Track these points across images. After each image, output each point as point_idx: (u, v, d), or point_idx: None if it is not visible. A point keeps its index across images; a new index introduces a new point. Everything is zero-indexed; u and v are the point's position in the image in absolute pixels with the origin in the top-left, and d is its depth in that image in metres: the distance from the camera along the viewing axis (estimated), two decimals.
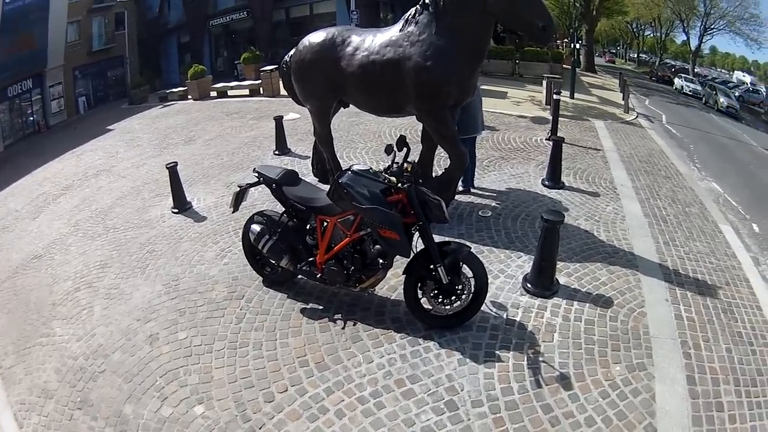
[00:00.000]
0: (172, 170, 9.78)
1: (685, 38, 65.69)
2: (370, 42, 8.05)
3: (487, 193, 9.70)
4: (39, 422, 5.46)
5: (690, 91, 40.58)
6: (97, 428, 5.13)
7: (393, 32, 7.97)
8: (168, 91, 27.62)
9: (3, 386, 6.16)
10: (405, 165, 5.62)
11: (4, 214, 12.92)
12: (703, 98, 37.47)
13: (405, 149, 5.68)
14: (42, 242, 9.98)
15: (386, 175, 5.61)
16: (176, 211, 9.79)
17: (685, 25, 61.18)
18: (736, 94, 40.57)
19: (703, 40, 61.75)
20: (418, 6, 7.84)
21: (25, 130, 30.93)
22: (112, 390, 5.51)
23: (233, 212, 6.85)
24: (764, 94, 44.26)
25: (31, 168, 17.40)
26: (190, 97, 25.15)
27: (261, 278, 6.94)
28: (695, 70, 62.38)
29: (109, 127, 21.40)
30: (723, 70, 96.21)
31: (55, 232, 10.30)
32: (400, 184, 5.48)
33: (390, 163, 5.72)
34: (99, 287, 7.66)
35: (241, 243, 7.08)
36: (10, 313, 7.75)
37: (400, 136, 5.82)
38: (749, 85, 54.53)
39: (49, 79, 32.16)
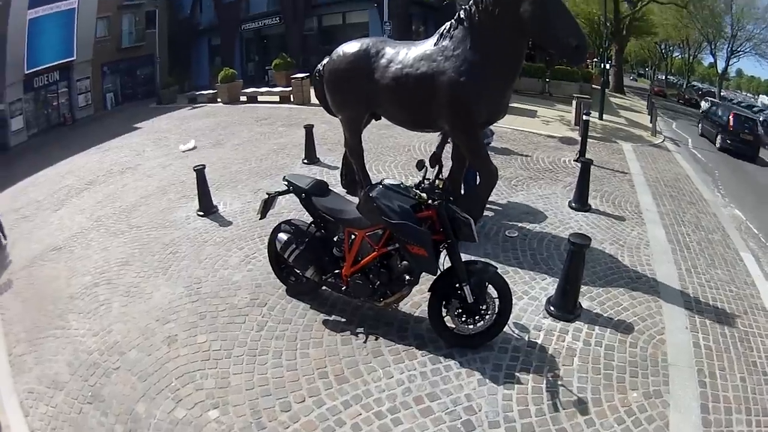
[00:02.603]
0: (200, 173, 9.81)
1: (712, 60, 65.38)
2: (404, 55, 8.08)
3: (514, 213, 9.68)
4: (46, 412, 5.48)
5: None
6: (107, 424, 5.15)
7: (428, 46, 7.99)
8: (197, 93, 27.84)
9: (11, 372, 6.20)
10: (436, 182, 5.63)
11: (25, 203, 13.08)
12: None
13: (437, 166, 5.69)
14: (63, 234, 10.06)
15: (417, 191, 5.60)
16: (202, 214, 9.82)
17: (713, 47, 60.93)
18: (761, 118, 40.17)
19: (730, 63, 61.56)
20: (453, 20, 7.87)
21: (51, 122, 31.20)
22: (125, 387, 5.52)
23: (260, 219, 6.83)
24: None
25: (54, 160, 17.69)
26: (219, 100, 25.33)
27: (284, 287, 6.95)
28: (722, 93, 61.99)
29: (137, 125, 21.65)
30: (748, 94, 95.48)
31: (77, 226, 10.38)
32: (430, 201, 5.48)
33: (421, 178, 5.73)
34: (119, 284, 7.70)
35: (266, 250, 7.07)
36: (25, 302, 7.82)
37: (433, 152, 5.85)
38: None
39: (77, 73, 32.51)
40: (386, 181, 5.84)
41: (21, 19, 28.58)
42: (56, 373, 5.93)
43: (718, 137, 24.59)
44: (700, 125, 28.56)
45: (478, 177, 8.73)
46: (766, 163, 23.29)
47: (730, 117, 24.77)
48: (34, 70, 29.86)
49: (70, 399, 5.54)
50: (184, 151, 15.26)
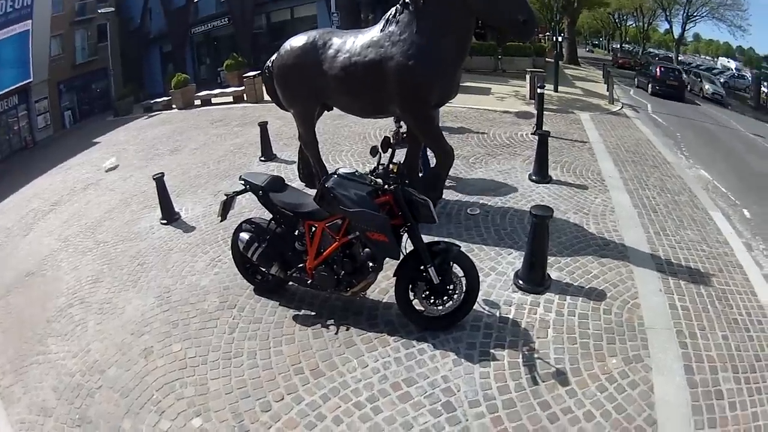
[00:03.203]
0: (159, 181, 9.72)
1: (668, 27, 65.95)
2: (351, 43, 8.04)
3: (474, 191, 9.69)
4: None
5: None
6: None
7: (374, 33, 7.96)
8: (152, 102, 27.46)
9: (2, 405, 6.09)
10: (390, 166, 5.62)
11: None
12: (688, 86, 37.58)
13: (390, 150, 5.67)
14: (34, 259, 9.91)
15: (372, 177, 5.59)
16: (165, 222, 9.73)
17: (668, 14, 61.43)
18: (722, 80, 40.75)
19: (686, 28, 62.04)
20: (398, 5, 7.84)
21: (13, 147, 30.78)
22: (109, 406, 5.45)
23: (221, 221, 6.82)
24: (749, 79, 44.37)
25: (19, 185, 17.36)
26: (174, 106, 25.00)
27: (252, 287, 6.91)
28: (679, 57, 62.55)
29: (95, 140, 21.36)
30: (707, 57, 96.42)
31: (46, 249, 10.22)
32: (386, 186, 5.47)
33: (376, 164, 5.71)
34: (92, 302, 7.60)
35: (230, 252, 7.03)
36: (5, 332, 7.69)
37: (385, 137, 5.81)
38: (734, 71, 54.66)
39: (35, 94, 32.06)
40: (341, 170, 5.84)
41: None
42: (44, 400, 5.85)
43: (649, 85, 31.12)
44: (636, 79, 34.69)
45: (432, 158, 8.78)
46: (691, 101, 30.93)
47: (658, 69, 32.01)
48: None
49: (59, 424, 5.46)
50: (107, 170, 15.08)
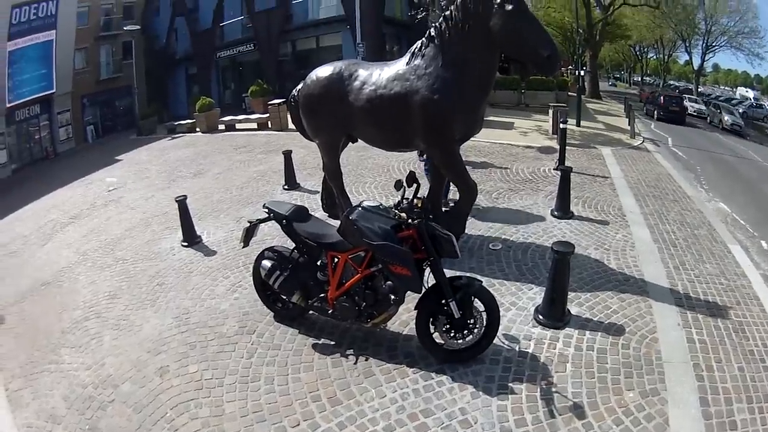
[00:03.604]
0: (182, 203, 9.80)
1: (688, 58, 65.97)
2: (377, 76, 8.11)
3: (497, 226, 9.70)
4: None
5: (694, 111, 40.50)
6: None
7: (400, 65, 8.03)
8: (176, 123, 27.85)
9: (9, 408, 6.14)
10: (415, 201, 5.65)
11: (11, 239, 13.00)
12: (708, 117, 37.66)
13: (414, 185, 5.72)
14: (51, 269, 10.00)
15: (396, 211, 5.64)
16: (186, 244, 9.79)
17: (687, 45, 61.49)
18: (740, 110, 40.65)
19: (706, 59, 62.09)
20: (424, 39, 7.91)
21: (33, 156, 31.15)
22: (121, 420, 5.49)
23: (243, 247, 6.85)
24: (767, 108, 44.30)
25: (39, 194, 17.64)
26: (198, 129, 25.29)
27: (272, 313, 6.94)
28: (699, 89, 62.47)
29: (118, 158, 21.66)
30: (726, 88, 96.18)
31: (64, 260, 10.32)
32: (410, 220, 5.51)
33: (400, 198, 5.75)
34: (108, 317, 7.66)
35: (251, 278, 7.07)
36: (18, 337, 7.75)
37: (410, 171, 5.86)
38: (752, 100, 54.46)
39: (57, 106, 32.56)
40: (365, 203, 5.88)
41: (0, 51, 28.60)
42: (53, 408, 5.90)
43: (655, 112, 35.15)
44: (645, 107, 38.42)
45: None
46: (692, 123, 35.15)
47: (662, 98, 36.79)
48: (16, 103, 29.81)
49: None
50: (110, 191, 15.42)
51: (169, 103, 38.87)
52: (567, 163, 13.07)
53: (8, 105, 29.43)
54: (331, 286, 6.12)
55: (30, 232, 13.05)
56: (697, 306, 7.07)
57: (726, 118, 34.58)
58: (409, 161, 14.04)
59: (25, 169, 29.07)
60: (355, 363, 5.95)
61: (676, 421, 5.01)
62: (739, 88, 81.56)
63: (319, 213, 9.65)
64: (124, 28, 33.23)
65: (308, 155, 15.09)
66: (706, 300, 7.26)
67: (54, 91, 32.11)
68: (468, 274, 6.32)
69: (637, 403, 5.25)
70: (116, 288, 8.59)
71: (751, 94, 66.37)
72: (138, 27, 34.09)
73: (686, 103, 42.26)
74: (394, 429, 5.02)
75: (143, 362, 6.37)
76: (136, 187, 15.40)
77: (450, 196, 10.58)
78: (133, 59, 33.60)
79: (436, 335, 5.77)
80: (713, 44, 58.72)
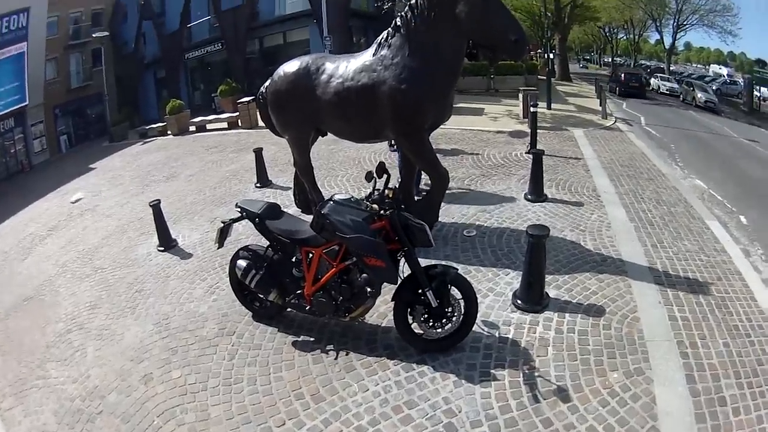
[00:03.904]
0: (156, 208, 9.74)
1: (659, 37, 66.20)
2: (344, 68, 8.09)
3: (470, 212, 9.72)
4: None
5: (667, 89, 41.11)
6: None
7: (366, 57, 8.01)
8: (147, 128, 27.72)
9: (3, 427, 6.11)
10: (386, 191, 5.64)
11: None
12: (681, 96, 37.92)
13: (385, 176, 5.70)
14: (32, 284, 9.93)
15: (368, 203, 5.63)
16: (162, 249, 9.73)
17: (658, 24, 61.66)
18: (714, 87, 40.99)
19: (677, 37, 62.30)
20: (389, 29, 7.89)
21: (9, 170, 30.93)
22: (110, 431, 5.46)
23: (218, 248, 6.82)
24: (741, 84, 44.58)
25: (16, 208, 17.46)
26: (169, 132, 25.11)
27: (250, 313, 6.90)
28: (671, 68, 62.76)
29: (92, 166, 21.49)
30: (699, 65, 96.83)
31: (44, 274, 10.24)
32: (382, 211, 5.50)
33: (371, 190, 5.74)
34: (90, 328, 7.62)
35: (228, 279, 7.03)
36: (5, 355, 7.69)
37: (380, 162, 5.84)
38: (726, 77, 54.87)
39: (31, 118, 32.31)
40: (336, 197, 5.87)
41: None
42: (44, 424, 5.87)
43: (617, 88, 37.29)
44: (609, 85, 38.46)
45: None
46: (652, 97, 37.86)
47: (623, 75, 39.89)
48: None
49: None
50: (73, 202, 15.35)
51: (140, 107, 38.60)
52: (539, 146, 13.04)
53: None
54: (307, 281, 6.10)
55: (10, 248, 12.93)
56: (678, 283, 7.12)
57: (699, 95, 34.79)
58: (380, 152, 14.06)
59: (1, 184, 28.79)
60: (336, 358, 5.93)
61: (663, 399, 5.04)
62: (712, 65, 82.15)
63: (292, 209, 9.72)
64: (93, 35, 32.82)
65: (279, 152, 15.05)
66: (686, 277, 7.31)
67: (27, 103, 31.81)
68: (443, 263, 6.32)
69: (622, 383, 5.27)
70: (96, 298, 8.53)
71: (724, 71, 66.94)
72: (107, 33, 33.76)
73: (657, 81, 43.44)
74: (379, 422, 5.02)
75: (127, 371, 6.33)
76: (111, 194, 15.24)
77: (422, 186, 10.61)
78: (103, 66, 33.31)
79: (414, 326, 5.76)
80: (684, 23, 58.57)
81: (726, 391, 5.13)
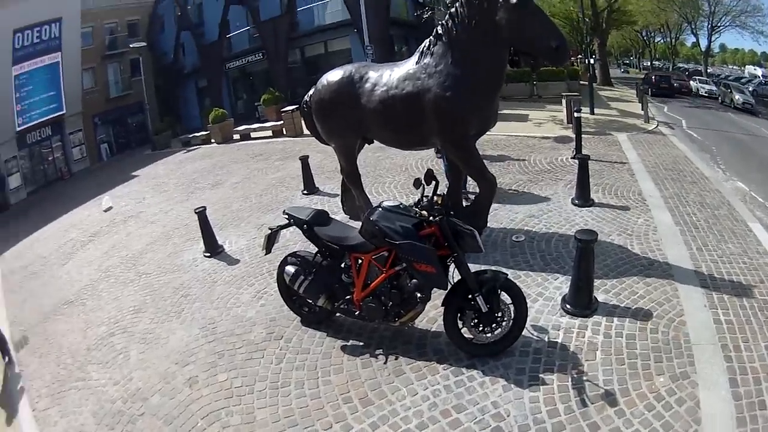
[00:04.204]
0: (202, 214, 9.84)
1: (695, 40, 65.55)
2: (388, 77, 8.13)
3: (519, 218, 9.70)
4: None
5: (705, 92, 40.77)
6: None
7: (410, 65, 8.05)
8: (191, 136, 28.04)
9: (37, 427, 6.21)
10: (435, 198, 5.66)
11: (31, 260, 13.15)
12: (719, 97, 37.44)
13: (433, 182, 5.72)
14: (73, 288, 10.09)
15: (417, 209, 5.65)
16: (208, 254, 9.84)
17: (693, 27, 61.11)
18: (750, 88, 40.34)
19: (712, 39, 61.63)
20: (431, 37, 7.92)
21: (48, 177, 31.43)
22: None
23: (266, 254, 6.87)
24: None
25: (56, 215, 17.84)
26: (213, 140, 25.44)
27: (299, 318, 6.96)
28: (708, 70, 62.01)
29: (134, 173, 21.83)
30: (734, 67, 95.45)
31: (86, 278, 10.41)
32: (431, 218, 5.52)
33: (420, 196, 5.77)
34: (134, 332, 7.73)
35: (276, 284, 7.09)
36: (42, 357, 7.82)
37: (428, 169, 5.87)
38: (762, 78, 54.03)
39: (69, 126, 32.86)
40: (385, 203, 5.90)
41: (6, 76, 28.91)
42: (82, 425, 5.95)
43: (649, 90, 35.67)
44: (642, 86, 36.07)
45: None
46: (681, 98, 38.89)
47: (653, 77, 43.00)
48: (26, 126, 30.09)
49: None
50: (105, 210, 15.64)
51: (181, 116, 39.04)
52: (584, 151, 13.05)
53: (18, 129, 29.73)
54: (357, 287, 6.13)
55: (49, 253, 13.17)
56: (722, 286, 7.02)
57: (737, 97, 34.25)
58: (427, 159, 14.12)
59: (39, 191, 29.33)
60: (385, 362, 5.96)
61: (707, 403, 4.99)
62: (747, 66, 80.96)
63: (340, 216, 9.70)
64: (130, 46, 33.26)
65: (325, 159, 15.13)
66: (730, 280, 7.21)
67: (64, 112, 32.37)
68: (493, 268, 6.38)
69: (668, 387, 5.22)
70: (140, 302, 8.65)
71: (759, 72, 65.92)
72: (144, 43, 34.15)
73: (696, 84, 43.41)
74: (427, 426, 5.03)
75: (171, 374, 6.41)
76: (155, 201, 15.52)
77: (470, 189, 10.61)
78: (142, 75, 33.76)
79: (464, 330, 5.77)
80: (718, 24, 58.22)
81: (766, 394, 5.07)
